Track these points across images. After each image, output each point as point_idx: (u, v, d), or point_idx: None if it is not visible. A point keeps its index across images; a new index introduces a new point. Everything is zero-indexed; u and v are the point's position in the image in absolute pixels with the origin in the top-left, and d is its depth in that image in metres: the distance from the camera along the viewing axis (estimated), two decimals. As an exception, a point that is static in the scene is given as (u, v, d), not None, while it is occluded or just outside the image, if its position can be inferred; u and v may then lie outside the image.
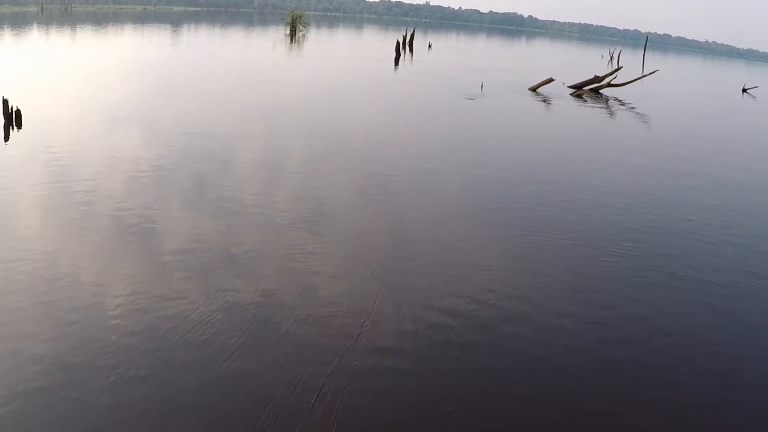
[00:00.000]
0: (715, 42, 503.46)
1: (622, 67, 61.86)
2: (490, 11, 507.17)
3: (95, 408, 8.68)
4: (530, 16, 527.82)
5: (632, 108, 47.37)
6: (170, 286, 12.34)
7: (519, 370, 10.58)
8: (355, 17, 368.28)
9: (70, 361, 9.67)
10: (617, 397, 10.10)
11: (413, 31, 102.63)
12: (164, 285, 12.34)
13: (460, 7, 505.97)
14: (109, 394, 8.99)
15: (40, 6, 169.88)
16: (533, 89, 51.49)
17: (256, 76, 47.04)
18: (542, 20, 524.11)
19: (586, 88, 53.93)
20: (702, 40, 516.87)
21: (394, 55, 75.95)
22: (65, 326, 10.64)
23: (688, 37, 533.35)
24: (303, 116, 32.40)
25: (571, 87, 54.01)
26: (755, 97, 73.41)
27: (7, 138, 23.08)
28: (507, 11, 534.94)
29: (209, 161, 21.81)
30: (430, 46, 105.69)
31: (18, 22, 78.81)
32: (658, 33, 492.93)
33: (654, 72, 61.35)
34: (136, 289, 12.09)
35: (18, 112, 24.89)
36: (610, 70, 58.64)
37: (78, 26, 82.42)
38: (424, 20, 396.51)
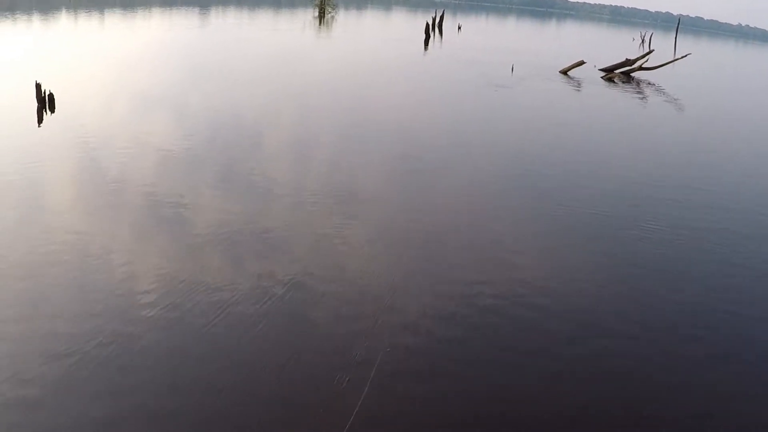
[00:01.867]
0: (748, 25, 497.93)
1: (653, 50, 61.26)
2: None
3: (128, 387, 8.75)
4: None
5: (664, 91, 46.90)
6: (202, 266, 12.41)
7: (547, 351, 10.54)
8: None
9: (101, 340, 9.73)
10: (657, 382, 10.00)
11: (443, 13, 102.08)
12: (196, 265, 12.41)
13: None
14: (143, 372, 9.06)
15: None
16: (564, 72, 51.07)
17: (285, 58, 46.97)
18: (572, 2, 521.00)
19: (617, 71, 53.42)
20: (735, 23, 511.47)
21: (423, 37, 75.61)
22: (97, 306, 10.72)
23: (721, 20, 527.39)
24: (332, 99, 32.36)
25: (602, 70, 53.53)
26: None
27: (40, 121, 23.24)
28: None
29: (239, 143, 21.87)
30: (459, 28, 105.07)
31: (47, 6, 79.18)
32: (690, 16, 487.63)
33: (686, 55, 60.61)
34: (168, 268, 12.18)
35: (51, 95, 25.04)
36: (641, 53, 58.09)
37: (106, 10, 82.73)
38: (453, 2, 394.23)
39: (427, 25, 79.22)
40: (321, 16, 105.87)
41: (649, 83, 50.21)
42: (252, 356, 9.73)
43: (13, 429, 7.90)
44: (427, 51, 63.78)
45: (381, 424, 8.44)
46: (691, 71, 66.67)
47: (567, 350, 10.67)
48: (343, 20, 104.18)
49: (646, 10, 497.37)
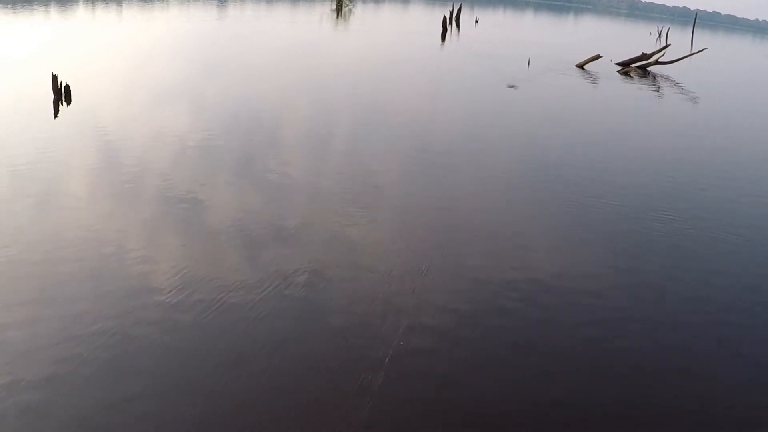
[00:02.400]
0: (765, 20, 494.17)
1: (670, 44, 60.97)
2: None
3: (144, 379, 8.80)
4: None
5: (680, 86, 46.70)
6: (218, 258, 12.49)
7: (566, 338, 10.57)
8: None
9: (117, 331, 9.80)
10: (680, 374, 10.08)
11: (460, 6, 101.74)
12: (212, 257, 12.48)
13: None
14: (157, 364, 9.13)
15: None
16: (580, 66, 50.92)
17: (302, 51, 47.03)
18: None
19: (633, 65, 53.19)
20: (752, 18, 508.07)
21: (440, 30, 75.48)
22: (113, 298, 10.79)
23: (738, 15, 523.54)
24: (349, 92, 32.36)
25: (618, 64, 53.30)
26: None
27: (56, 113, 23.38)
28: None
29: (256, 136, 21.95)
30: (477, 22, 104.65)
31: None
32: (707, 11, 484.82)
33: (703, 50, 60.28)
34: (184, 261, 12.23)
35: (67, 87, 25.18)
36: (658, 48, 57.86)
37: (124, 1, 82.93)
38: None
39: (444, 18, 79.12)
40: (339, 8, 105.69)
41: (666, 78, 49.99)
42: (264, 349, 9.76)
43: (26, 421, 7.99)
44: (444, 44, 63.66)
45: (394, 421, 8.44)
46: (707, 66, 66.34)
47: (583, 346, 10.67)
48: (361, 13, 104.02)
49: (663, 5, 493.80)
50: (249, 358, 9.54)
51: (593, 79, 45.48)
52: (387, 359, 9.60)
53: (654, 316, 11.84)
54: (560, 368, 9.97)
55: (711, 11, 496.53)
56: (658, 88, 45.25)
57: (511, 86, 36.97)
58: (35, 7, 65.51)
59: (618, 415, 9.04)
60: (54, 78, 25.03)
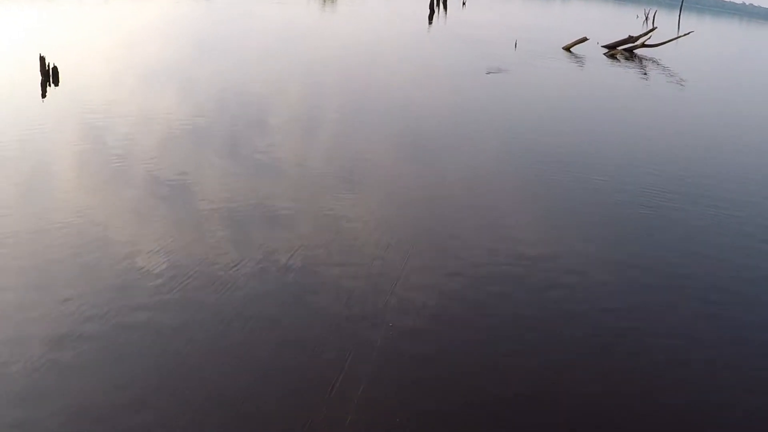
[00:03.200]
0: (752, 4, 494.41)
1: (656, 27, 61.14)
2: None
3: (132, 363, 8.81)
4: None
5: (666, 68, 46.89)
6: (206, 241, 12.52)
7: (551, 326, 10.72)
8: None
9: (105, 316, 9.80)
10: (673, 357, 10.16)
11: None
12: (200, 241, 12.51)
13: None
14: (145, 349, 9.13)
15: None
16: (567, 48, 51.06)
17: (289, 34, 46.95)
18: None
19: (619, 48, 53.38)
20: (739, 1, 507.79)
21: (427, 12, 75.40)
22: (100, 283, 10.76)
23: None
24: (336, 75, 32.38)
25: (604, 47, 53.48)
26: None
27: (44, 94, 23.38)
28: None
29: (244, 119, 21.98)
30: (464, 4, 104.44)
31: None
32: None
33: (689, 33, 60.55)
34: (172, 244, 12.24)
35: (55, 69, 25.16)
36: (644, 31, 58.02)
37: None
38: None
39: (432, 1, 79.01)
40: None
41: (652, 60, 50.18)
42: (252, 331, 9.80)
43: (25, 407, 8.10)
44: (431, 27, 63.64)
45: (382, 406, 8.41)
46: (693, 48, 66.55)
47: (575, 325, 10.71)
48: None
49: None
50: (237, 337, 9.61)
51: (580, 61, 45.58)
52: (378, 340, 9.67)
53: (643, 294, 11.99)
54: (552, 347, 10.06)
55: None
56: (645, 70, 45.46)
57: (491, 72, 36.30)
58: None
59: (611, 391, 9.10)
60: (42, 59, 25.00)
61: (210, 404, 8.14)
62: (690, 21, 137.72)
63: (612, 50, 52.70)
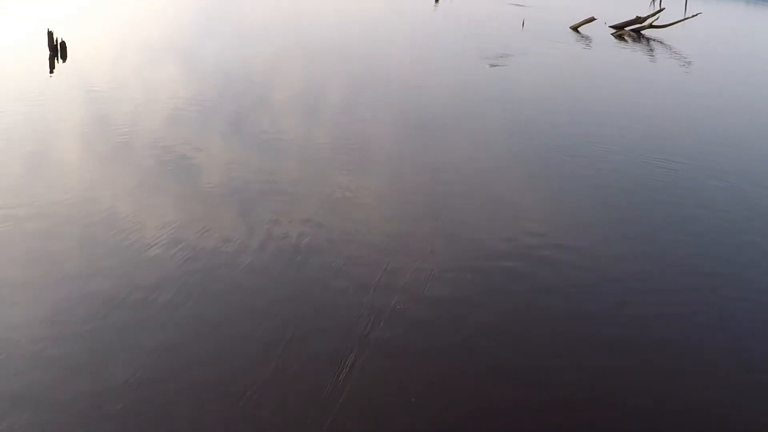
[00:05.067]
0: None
1: (664, 8, 60.87)
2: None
3: (137, 345, 8.63)
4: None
5: (673, 49, 46.63)
6: (211, 220, 12.36)
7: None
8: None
9: (110, 295, 9.66)
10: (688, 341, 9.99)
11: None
12: (205, 219, 12.34)
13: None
14: (151, 330, 8.97)
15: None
16: (574, 28, 50.87)
17: (294, 12, 46.78)
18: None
19: (627, 28, 53.18)
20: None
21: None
22: (105, 262, 10.62)
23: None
24: (341, 54, 32.28)
25: (612, 27, 53.27)
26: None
27: (52, 69, 23.32)
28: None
29: (248, 98, 21.90)
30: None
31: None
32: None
33: (696, 14, 60.19)
34: (178, 223, 12.11)
35: (63, 44, 25.09)
36: (652, 11, 57.74)
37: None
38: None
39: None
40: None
41: (659, 41, 49.93)
42: (256, 306, 9.71)
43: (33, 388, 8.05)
44: (438, 5, 63.37)
45: (386, 384, 8.25)
46: (701, 30, 66.21)
47: (584, 308, 10.52)
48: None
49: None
50: (239, 312, 9.54)
51: (587, 42, 45.37)
52: (381, 322, 9.53)
53: (673, 293, 11.65)
54: (560, 333, 9.95)
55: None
56: (652, 51, 45.20)
57: (494, 65, 33.24)
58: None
59: (621, 381, 8.85)
60: (50, 34, 24.92)
61: (222, 378, 8.06)
62: (697, 2, 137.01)
63: (619, 30, 52.50)
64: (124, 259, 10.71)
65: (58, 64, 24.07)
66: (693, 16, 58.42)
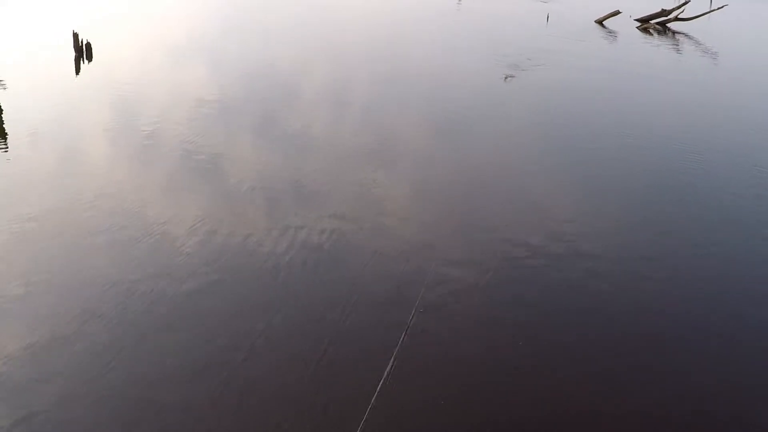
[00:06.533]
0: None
1: (689, 0, 60.37)
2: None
3: (165, 338, 8.81)
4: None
5: (699, 42, 46.22)
6: (239, 218, 12.43)
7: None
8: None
9: (139, 291, 9.78)
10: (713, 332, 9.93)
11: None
12: (232, 218, 12.42)
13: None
14: (178, 326, 9.11)
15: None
16: (599, 22, 50.57)
17: (319, 7, 46.81)
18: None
19: (652, 21, 52.75)
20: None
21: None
22: (133, 259, 10.71)
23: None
24: (366, 50, 32.28)
25: (637, 20, 52.88)
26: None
27: (78, 70, 23.46)
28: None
29: (274, 93, 21.98)
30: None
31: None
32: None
33: (722, 6, 59.63)
34: (204, 221, 12.15)
35: (88, 45, 25.23)
36: (677, 4, 57.28)
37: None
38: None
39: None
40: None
41: (685, 34, 49.52)
42: (286, 308, 9.73)
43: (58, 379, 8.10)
44: (461, 4, 63.15)
45: (415, 381, 8.31)
46: (727, 22, 65.62)
47: (614, 309, 10.41)
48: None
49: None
50: (273, 309, 9.59)
51: (612, 35, 45.08)
52: (410, 318, 9.55)
53: (686, 273, 11.70)
54: (580, 332, 9.90)
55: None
56: (677, 45, 44.82)
57: (509, 76, 29.49)
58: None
59: (658, 388, 8.73)
60: (75, 35, 25.06)
61: (270, 375, 8.12)
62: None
63: (645, 24, 52.10)
64: (153, 256, 10.80)
65: (84, 64, 24.20)
66: (719, 8, 57.84)
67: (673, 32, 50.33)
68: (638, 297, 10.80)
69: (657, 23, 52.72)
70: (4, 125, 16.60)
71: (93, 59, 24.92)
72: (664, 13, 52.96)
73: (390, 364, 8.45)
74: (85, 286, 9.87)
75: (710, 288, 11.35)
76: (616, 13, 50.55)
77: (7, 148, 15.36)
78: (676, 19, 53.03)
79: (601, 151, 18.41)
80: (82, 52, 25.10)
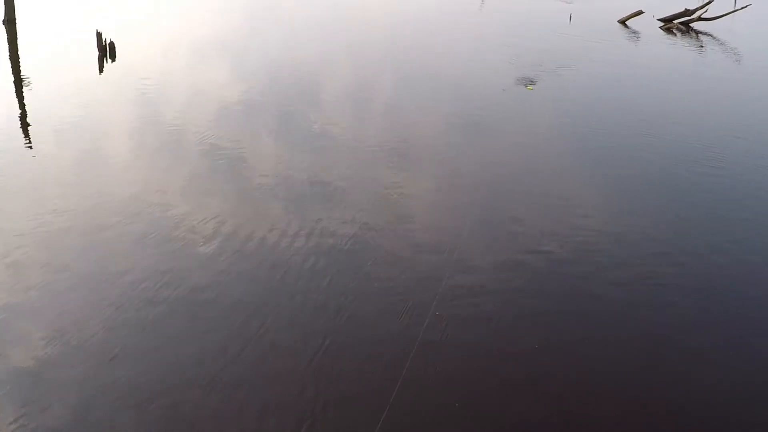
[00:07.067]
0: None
1: (713, 0, 59.97)
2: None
3: (185, 335, 8.95)
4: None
5: (722, 42, 45.89)
6: (262, 216, 12.57)
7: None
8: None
9: (160, 287, 9.92)
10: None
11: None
12: (256, 216, 12.57)
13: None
14: (201, 322, 9.23)
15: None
16: (622, 22, 50.29)
17: (342, 7, 46.89)
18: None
19: (675, 21, 52.35)
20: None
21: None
22: (156, 256, 10.88)
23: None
24: (390, 49, 32.29)
25: (660, 20, 52.51)
26: None
27: (101, 69, 23.67)
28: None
29: (297, 92, 22.07)
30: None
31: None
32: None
33: (746, 6, 59.17)
34: (228, 219, 12.29)
35: (112, 44, 25.43)
36: (701, 4, 56.90)
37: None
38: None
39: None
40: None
41: (708, 35, 49.17)
42: (309, 302, 9.86)
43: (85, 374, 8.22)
44: (484, 4, 62.98)
45: (436, 378, 8.43)
46: (751, 22, 65.15)
47: (637, 312, 10.37)
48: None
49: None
50: (294, 307, 9.70)
51: (635, 36, 44.85)
52: (429, 313, 9.64)
53: (708, 274, 11.67)
54: (602, 327, 9.94)
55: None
56: (701, 44, 44.53)
57: (530, 83, 31.28)
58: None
59: (670, 377, 8.85)
60: (98, 35, 25.26)
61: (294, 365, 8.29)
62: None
63: (668, 24, 51.74)
64: (172, 255, 10.92)
65: (108, 64, 24.41)
66: (742, 8, 57.39)
67: (697, 32, 49.94)
68: (665, 311, 10.59)
69: (680, 23, 52.30)
70: (28, 123, 16.82)
71: (116, 59, 25.11)
72: (687, 12, 52.54)
73: (406, 365, 8.52)
74: (110, 277, 10.06)
75: (728, 287, 11.33)
76: (639, 13, 50.23)
77: (31, 145, 15.56)
78: (700, 18, 52.63)
79: (622, 150, 18.27)
80: (106, 51, 25.30)
